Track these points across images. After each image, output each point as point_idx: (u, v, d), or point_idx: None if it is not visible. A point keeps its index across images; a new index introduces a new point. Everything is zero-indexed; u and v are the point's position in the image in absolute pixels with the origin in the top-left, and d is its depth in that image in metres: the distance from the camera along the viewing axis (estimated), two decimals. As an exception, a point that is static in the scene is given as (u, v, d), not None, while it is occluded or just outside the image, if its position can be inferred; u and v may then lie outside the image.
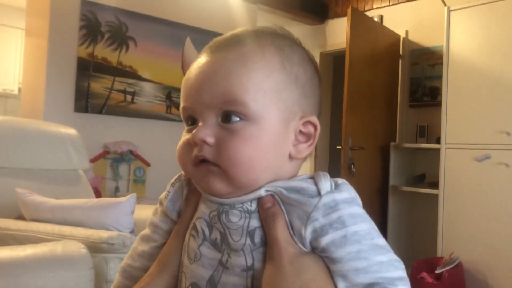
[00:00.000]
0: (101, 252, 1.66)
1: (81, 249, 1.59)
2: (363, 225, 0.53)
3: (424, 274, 3.18)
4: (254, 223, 0.55)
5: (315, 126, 0.58)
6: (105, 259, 1.65)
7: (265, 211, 0.54)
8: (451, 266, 3.13)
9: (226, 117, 0.54)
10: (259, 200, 0.55)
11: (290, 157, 0.57)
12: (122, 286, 0.64)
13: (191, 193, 0.61)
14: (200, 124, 0.55)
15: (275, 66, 0.56)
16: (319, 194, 0.53)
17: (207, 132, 0.54)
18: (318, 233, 0.52)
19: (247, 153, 0.53)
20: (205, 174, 0.55)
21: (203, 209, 0.58)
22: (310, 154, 0.61)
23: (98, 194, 3.28)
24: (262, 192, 0.55)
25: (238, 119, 0.54)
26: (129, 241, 1.68)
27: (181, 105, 0.58)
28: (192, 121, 0.57)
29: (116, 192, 3.78)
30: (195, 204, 0.60)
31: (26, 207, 2.00)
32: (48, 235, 1.74)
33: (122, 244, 1.66)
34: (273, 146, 0.55)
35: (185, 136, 0.58)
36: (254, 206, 0.55)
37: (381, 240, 0.53)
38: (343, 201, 0.53)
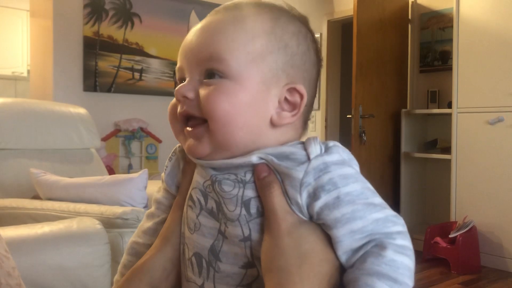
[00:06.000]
0: (116, 227, 1.69)
1: (96, 225, 1.62)
2: (356, 185, 0.52)
3: (438, 239, 3.19)
4: (249, 193, 0.54)
5: (301, 96, 0.57)
6: (120, 234, 1.69)
7: (261, 181, 0.53)
8: (465, 230, 3.13)
9: (208, 75, 0.55)
10: (255, 169, 0.54)
11: (272, 123, 0.56)
12: (127, 263, 0.65)
13: (186, 165, 0.62)
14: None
15: (264, 30, 0.56)
16: (308, 159, 0.52)
17: (188, 87, 0.56)
18: (311, 198, 0.51)
19: (222, 107, 0.53)
20: (187, 137, 0.57)
21: (197, 179, 0.58)
22: (305, 129, 0.61)
23: (111, 172, 3.32)
24: (253, 159, 0.54)
25: (219, 77, 0.55)
26: (143, 216, 1.70)
27: (176, 66, 0.60)
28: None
29: (129, 170, 3.82)
30: (191, 175, 0.60)
31: (41, 186, 2.03)
32: (63, 213, 1.78)
33: (136, 219, 1.69)
34: (250, 105, 0.54)
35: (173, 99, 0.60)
36: (248, 176, 0.54)
37: (377, 199, 0.53)
38: (334, 163, 0.52)
